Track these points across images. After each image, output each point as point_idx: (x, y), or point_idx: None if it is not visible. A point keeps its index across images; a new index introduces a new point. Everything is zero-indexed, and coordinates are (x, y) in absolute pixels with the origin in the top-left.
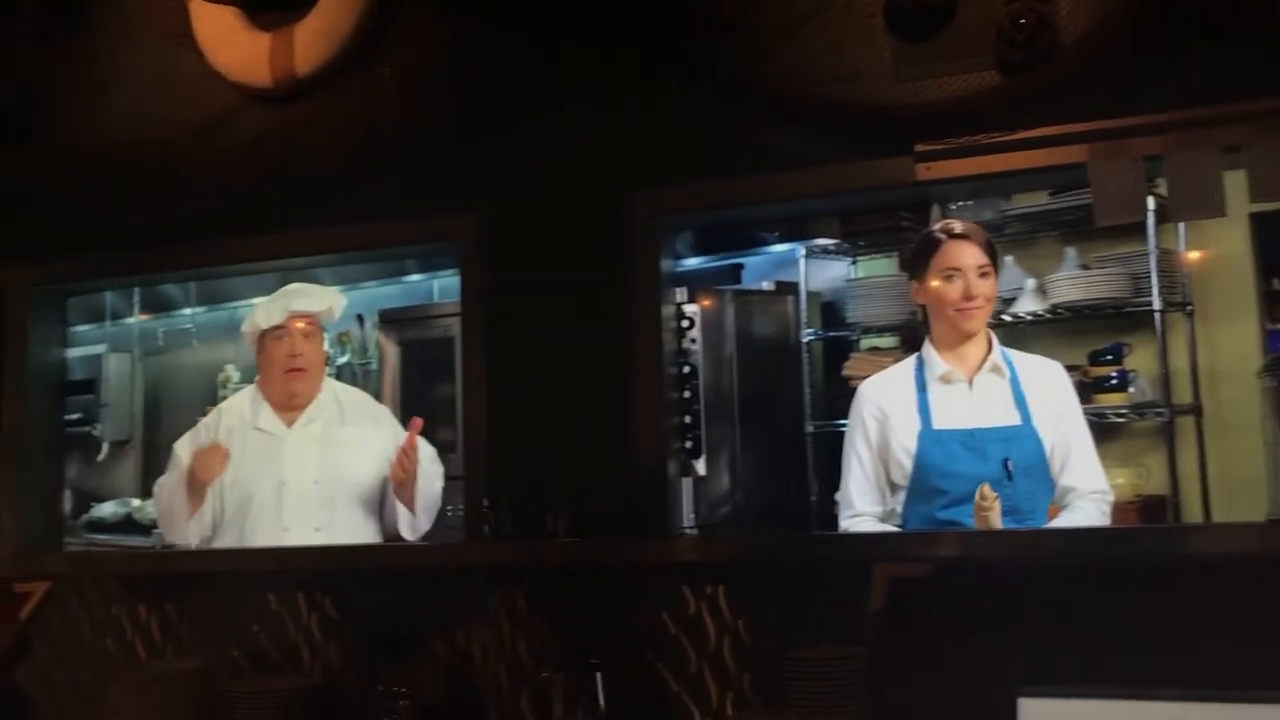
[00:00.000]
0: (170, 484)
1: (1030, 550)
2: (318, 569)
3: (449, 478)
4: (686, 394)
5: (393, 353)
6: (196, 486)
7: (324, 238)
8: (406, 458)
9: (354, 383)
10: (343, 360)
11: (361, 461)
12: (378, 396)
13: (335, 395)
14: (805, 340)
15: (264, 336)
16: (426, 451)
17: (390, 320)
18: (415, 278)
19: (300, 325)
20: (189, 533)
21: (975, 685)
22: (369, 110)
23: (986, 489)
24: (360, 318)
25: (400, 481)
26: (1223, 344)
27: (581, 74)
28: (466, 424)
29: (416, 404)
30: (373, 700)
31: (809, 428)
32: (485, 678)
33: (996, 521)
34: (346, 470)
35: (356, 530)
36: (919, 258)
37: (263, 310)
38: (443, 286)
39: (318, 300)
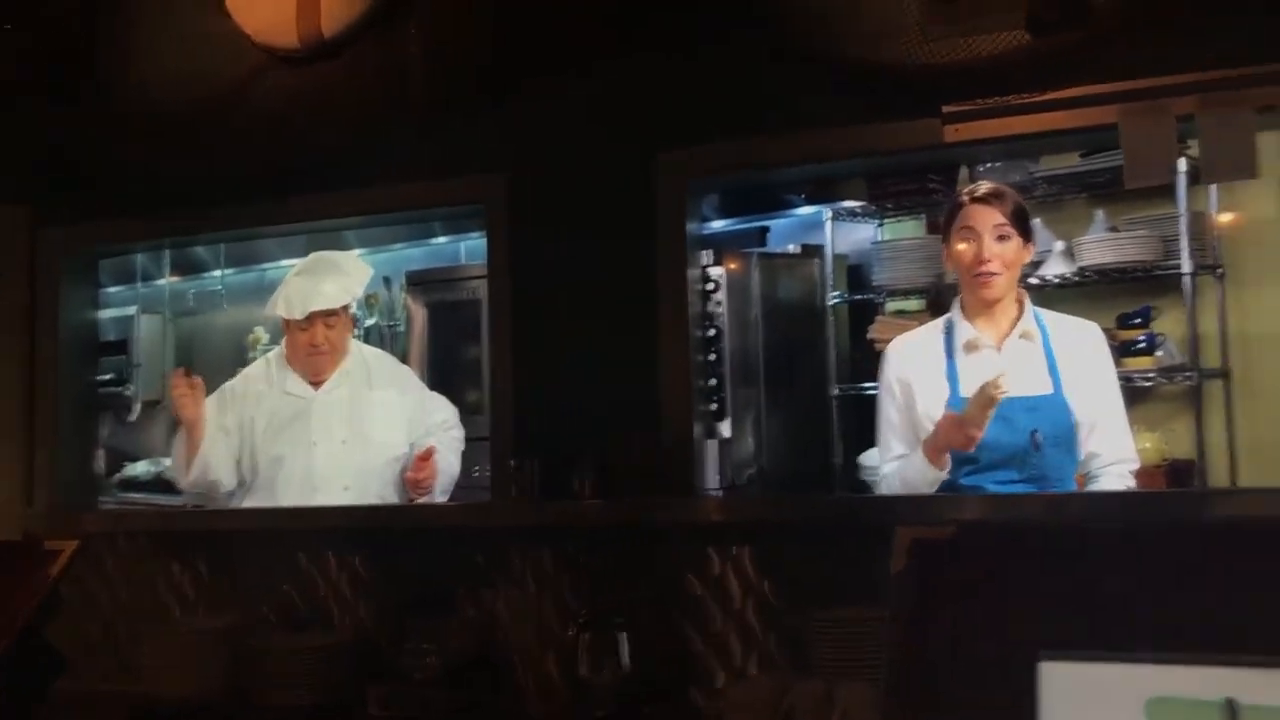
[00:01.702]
0: (179, 437)
1: (1054, 514)
2: (348, 528)
3: (475, 439)
4: (712, 356)
5: (420, 315)
6: (184, 426)
7: (351, 200)
8: (422, 482)
9: (381, 345)
10: (370, 322)
11: (388, 423)
12: (405, 358)
13: (363, 358)
14: (831, 303)
15: (288, 321)
16: (447, 414)
17: (417, 282)
18: (442, 240)
19: (323, 318)
20: (185, 479)
21: (997, 649)
22: (395, 71)
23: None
24: (387, 280)
25: (415, 490)
26: (1254, 308)
27: (609, 33)
28: (493, 385)
29: (443, 365)
30: (401, 657)
31: (834, 391)
32: (512, 636)
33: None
34: (374, 432)
35: (384, 490)
36: (945, 221)
37: (283, 301)
38: (470, 248)
39: (339, 294)
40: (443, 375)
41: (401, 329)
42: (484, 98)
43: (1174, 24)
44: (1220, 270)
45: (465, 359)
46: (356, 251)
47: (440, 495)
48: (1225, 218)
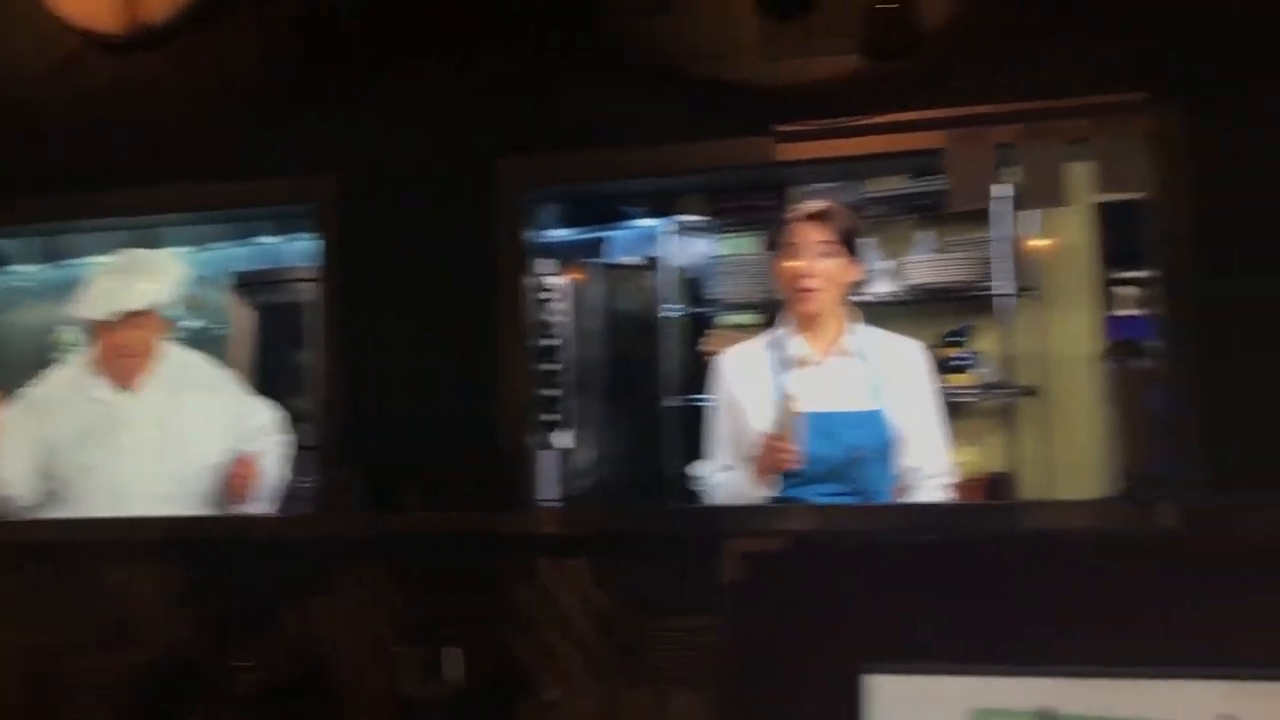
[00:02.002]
0: None
1: (883, 526)
2: (163, 539)
3: (302, 448)
4: (553, 366)
5: (245, 317)
6: None
7: (176, 196)
8: (242, 487)
9: (203, 349)
10: (190, 325)
11: (205, 429)
12: (228, 363)
13: (177, 361)
14: (670, 315)
15: (95, 322)
16: (269, 420)
17: (243, 284)
18: (270, 240)
19: (133, 320)
20: None
21: (824, 660)
22: (225, 63)
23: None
24: (210, 280)
25: (235, 497)
26: (1065, 329)
27: (450, 34)
28: (320, 392)
29: (269, 371)
30: (220, 676)
31: (672, 402)
32: (337, 652)
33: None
34: (190, 438)
35: (202, 499)
36: (774, 237)
37: (90, 301)
38: (300, 249)
39: (151, 294)
40: (269, 381)
41: (225, 333)
42: (318, 95)
43: (998, 56)
44: (1036, 292)
45: (293, 364)
46: (179, 250)
47: (263, 505)
48: (1041, 242)
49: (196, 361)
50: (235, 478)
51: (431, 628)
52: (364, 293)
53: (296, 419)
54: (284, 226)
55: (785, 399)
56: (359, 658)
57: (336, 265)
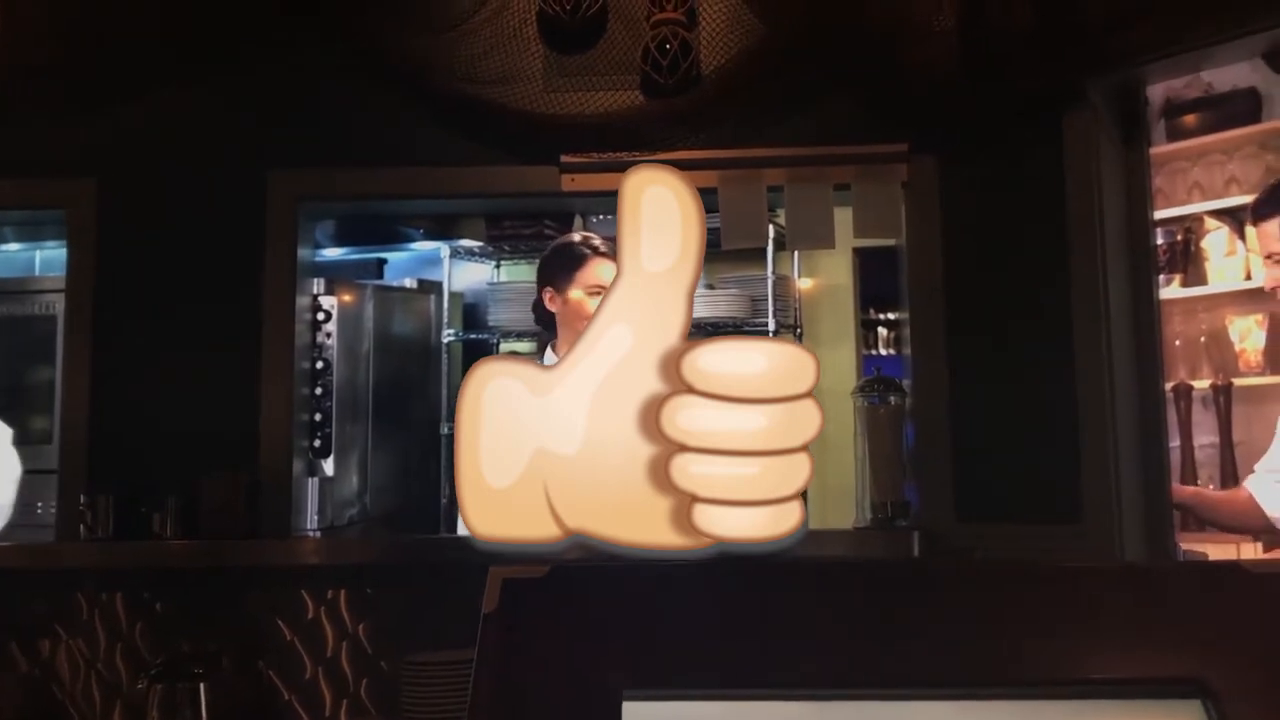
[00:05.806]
0: None
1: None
2: None
3: (42, 471)
4: (319, 390)
5: None
6: None
7: None
8: None
9: None
10: None
11: None
12: None
13: None
14: (446, 341)
15: None
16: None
17: None
18: (13, 247)
19: None
20: None
21: (585, 689)
22: None
23: None
24: None
25: None
26: (826, 366)
27: (226, 42)
28: (65, 412)
29: (5, 387)
30: None
31: (444, 429)
32: (72, 689)
33: None
34: None
35: None
36: (561, 268)
37: None
38: (46, 259)
39: None
40: (5, 398)
41: None
42: (74, 95)
43: (770, 102)
44: (800, 330)
45: (35, 381)
46: None
47: None
48: (805, 283)
49: None
50: None
51: (180, 663)
52: (116, 305)
53: (38, 441)
54: (30, 234)
55: None
56: (99, 697)
57: (87, 274)
